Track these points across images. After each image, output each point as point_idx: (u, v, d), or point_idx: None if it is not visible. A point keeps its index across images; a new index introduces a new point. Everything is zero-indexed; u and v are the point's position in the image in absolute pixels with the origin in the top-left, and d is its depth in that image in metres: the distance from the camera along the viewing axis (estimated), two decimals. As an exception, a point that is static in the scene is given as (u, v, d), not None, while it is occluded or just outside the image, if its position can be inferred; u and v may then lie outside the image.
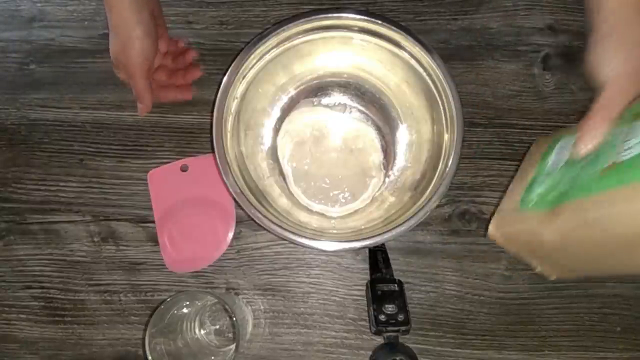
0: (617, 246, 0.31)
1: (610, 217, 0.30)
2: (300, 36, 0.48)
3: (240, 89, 0.48)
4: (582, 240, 0.32)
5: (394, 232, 0.44)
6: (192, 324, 0.49)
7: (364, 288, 0.51)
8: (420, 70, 0.47)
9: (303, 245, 0.44)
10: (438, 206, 0.45)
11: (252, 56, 0.47)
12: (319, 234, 0.46)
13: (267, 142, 0.53)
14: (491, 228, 0.40)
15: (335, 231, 0.49)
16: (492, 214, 0.40)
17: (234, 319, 0.42)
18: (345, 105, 0.53)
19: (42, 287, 0.53)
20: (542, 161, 0.40)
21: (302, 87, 0.53)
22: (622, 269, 0.36)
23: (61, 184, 0.55)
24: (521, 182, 0.40)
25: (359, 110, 0.53)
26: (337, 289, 0.52)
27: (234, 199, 0.45)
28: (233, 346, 0.43)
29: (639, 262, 0.32)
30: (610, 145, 0.33)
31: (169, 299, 0.42)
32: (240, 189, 0.45)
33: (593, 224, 0.31)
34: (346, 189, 0.52)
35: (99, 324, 0.52)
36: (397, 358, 0.44)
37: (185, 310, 0.47)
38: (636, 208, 0.28)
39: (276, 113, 0.53)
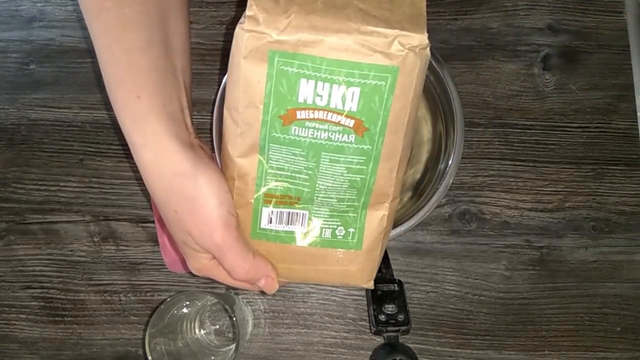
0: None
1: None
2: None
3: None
4: None
5: (394, 232, 0.44)
6: (192, 324, 0.49)
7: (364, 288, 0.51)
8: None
9: (303, 245, 0.44)
10: (438, 206, 0.45)
11: (252, 56, 0.47)
12: (318, 234, 0.46)
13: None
14: (367, 283, 0.37)
15: (335, 231, 0.49)
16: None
17: (234, 319, 0.42)
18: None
19: (42, 287, 0.53)
20: None
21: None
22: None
23: (61, 184, 0.55)
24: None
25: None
26: (337, 289, 0.52)
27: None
28: (233, 346, 0.43)
29: None
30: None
31: (169, 299, 0.42)
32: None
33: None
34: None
35: (99, 324, 0.52)
36: (397, 358, 0.44)
37: (185, 310, 0.47)
38: None
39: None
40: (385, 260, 0.51)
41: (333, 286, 0.51)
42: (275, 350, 0.51)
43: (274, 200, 0.33)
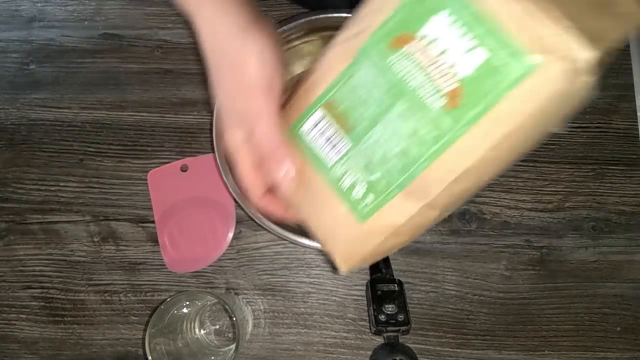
0: None
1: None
2: (300, 36, 0.48)
3: (240, 88, 0.48)
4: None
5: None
6: (192, 324, 0.49)
7: (364, 288, 0.51)
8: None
9: (303, 245, 0.44)
10: (438, 206, 0.45)
11: (252, 56, 0.47)
12: (319, 234, 0.45)
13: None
14: (342, 263, 0.32)
15: (335, 231, 0.49)
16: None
17: (234, 319, 0.42)
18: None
19: (42, 287, 0.53)
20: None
21: (302, 87, 0.53)
22: None
23: (61, 184, 0.55)
24: (324, 193, 0.31)
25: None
26: (337, 289, 0.52)
27: (234, 199, 0.45)
28: (233, 346, 0.43)
29: None
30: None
31: (169, 299, 0.42)
32: (240, 188, 0.45)
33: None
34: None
35: (99, 324, 0.52)
36: (397, 358, 0.44)
37: (185, 310, 0.47)
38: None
39: (276, 113, 0.53)
40: (385, 260, 0.51)
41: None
42: (275, 350, 0.51)
43: (332, 111, 0.30)
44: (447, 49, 0.25)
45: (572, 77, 0.22)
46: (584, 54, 0.22)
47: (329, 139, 0.30)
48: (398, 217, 0.29)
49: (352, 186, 0.30)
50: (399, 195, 0.29)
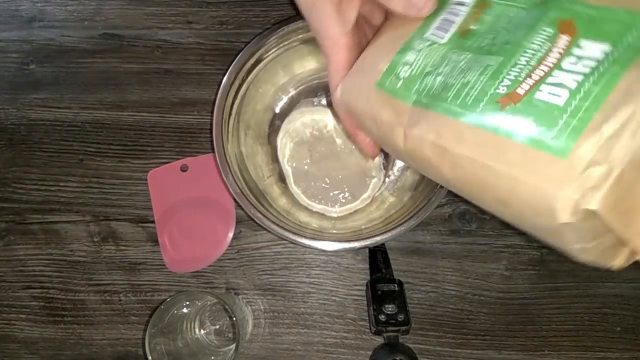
0: (467, 188, 0.25)
1: (482, 172, 0.23)
2: (300, 36, 0.48)
3: (240, 89, 0.48)
4: (429, 163, 0.26)
5: (394, 232, 0.44)
6: (192, 324, 0.49)
7: (364, 288, 0.51)
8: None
9: (303, 245, 0.44)
10: (438, 206, 0.45)
11: (252, 56, 0.47)
12: (319, 234, 0.46)
13: (266, 142, 0.53)
14: (337, 93, 0.31)
15: (335, 231, 0.49)
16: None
17: (234, 319, 0.42)
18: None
19: (42, 287, 0.53)
20: (426, 18, 0.28)
21: (302, 87, 0.53)
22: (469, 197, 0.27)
23: (61, 184, 0.55)
24: (391, 43, 0.29)
25: (359, 110, 0.53)
26: (337, 289, 0.52)
27: (234, 199, 0.45)
28: (233, 346, 0.43)
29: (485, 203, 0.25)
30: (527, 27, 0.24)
31: (169, 299, 0.42)
32: (240, 189, 0.45)
33: (455, 161, 0.24)
34: (346, 189, 0.52)
35: (99, 324, 0.52)
36: (397, 358, 0.44)
37: (185, 310, 0.47)
38: (531, 182, 0.21)
39: (276, 113, 0.53)
40: (385, 260, 0.51)
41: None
42: (275, 350, 0.51)
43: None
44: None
45: None
46: None
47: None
48: (383, 113, 0.28)
49: (408, 71, 0.27)
50: (408, 105, 0.26)
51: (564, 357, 0.50)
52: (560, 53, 0.22)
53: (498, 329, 0.51)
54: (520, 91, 0.22)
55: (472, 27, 0.26)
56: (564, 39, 0.22)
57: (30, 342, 0.52)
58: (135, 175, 0.54)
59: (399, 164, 0.52)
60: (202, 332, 0.50)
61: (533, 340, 0.51)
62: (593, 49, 0.21)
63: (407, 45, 0.28)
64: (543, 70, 0.22)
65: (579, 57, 0.21)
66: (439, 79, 0.26)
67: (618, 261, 0.23)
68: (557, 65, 0.22)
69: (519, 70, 0.23)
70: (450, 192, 0.50)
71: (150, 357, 0.41)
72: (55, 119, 0.56)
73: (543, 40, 0.23)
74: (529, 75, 0.22)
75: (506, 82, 0.23)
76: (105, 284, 0.53)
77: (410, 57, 0.28)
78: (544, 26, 0.23)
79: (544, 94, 0.21)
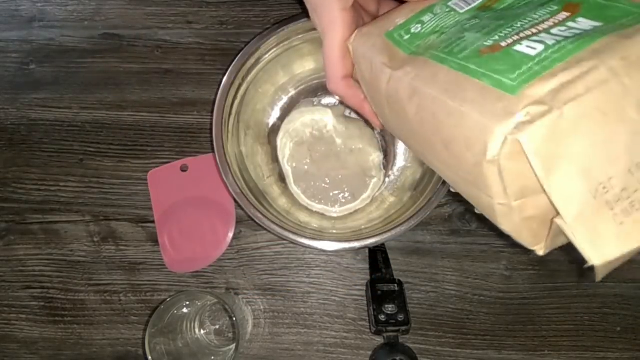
0: (422, 132, 0.26)
1: (439, 111, 0.23)
2: (300, 36, 0.48)
3: (240, 89, 0.48)
4: (400, 105, 0.26)
5: (394, 232, 0.44)
6: (192, 324, 0.49)
7: (364, 288, 0.51)
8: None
9: (303, 245, 0.44)
10: (438, 206, 0.45)
11: (252, 56, 0.47)
12: (319, 234, 0.46)
13: (266, 142, 0.53)
14: (354, 36, 0.32)
15: (335, 231, 0.49)
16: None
17: (234, 319, 0.42)
18: (345, 105, 0.53)
19: (42, 287, 0.53)
20: None
21: (302, 87, 0.53)
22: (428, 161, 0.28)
23: (61, 184, 0.55)
24: (417, 4, 0.31)
25: (359, 110, 0.53)
26: (337, 289, 0.52)
27: (234, 199, 0.45)
28: (233, 346, 0.43)
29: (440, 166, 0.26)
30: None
31: (169, 299, 0.42)
32: (240, 189, 0.45)
33: (420, 103, 0.25)
34: (346, 189, 0.52)
35: (99, 324, 0.52)
36: (397, 358, 0.44)
37: (185, 310, 0.47)
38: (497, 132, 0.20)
39: (276, 113, 0.53)
40: (385, 260, 0.51)
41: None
42: (275, 350, 0.51)
43: None
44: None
45: None
46: None
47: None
48: (380, 56, 0.29)
49: (421, 29, 0.29)
50: (403, 53, 0.28)
51: (564, 357, 0.50)
52: (554, 23, 0.23)
53: (498, 329, 0.51)
54: (503, 44, 0.23)
55: (493, 5, 0.28)
56: (563, 14, 0.23)
57: (30, 342, 0.52)
58: (135, 175, 0.54)
59: (399, 164, 0.52)
60: (202, 332, 0.50)
61: (533, 340, 0.51)
62: (585, 25, 0.22)
63: (428, 8, 0.30)
64: (531, 32, 0.23)
65: (570, 28, 0.22)
66: (442, 37, 0.27)
67: (542, 244, 0.24)
68: (547, 30, 0.23)
69: (511, 30, 0.24)
70: (450, 192, 0.50)
71: (150, 357, 0.41)
72: (55, 119, 0.56)
73: (544, 14, 0.24)
74: (517, 34, 0.23)
75: (495, 37, 0.24)
76: (105, 284, 0.53)
77: (426, 17, 0.29)
78: (552, 5, 0.24)
79: (522, 47, 0.22)
